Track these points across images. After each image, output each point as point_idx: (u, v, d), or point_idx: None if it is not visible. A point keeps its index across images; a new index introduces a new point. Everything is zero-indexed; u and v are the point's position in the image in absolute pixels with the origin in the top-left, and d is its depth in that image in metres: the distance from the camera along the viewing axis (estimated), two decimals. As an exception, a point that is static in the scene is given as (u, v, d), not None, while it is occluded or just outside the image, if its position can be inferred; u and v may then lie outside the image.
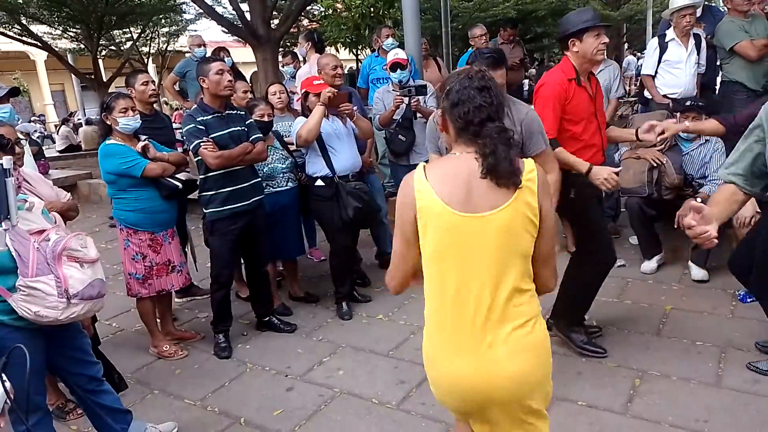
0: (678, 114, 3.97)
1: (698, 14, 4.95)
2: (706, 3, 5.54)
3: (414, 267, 1.61)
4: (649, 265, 4.15)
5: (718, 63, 5.09)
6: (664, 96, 4.82)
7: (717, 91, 5.27)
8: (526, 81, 7.23)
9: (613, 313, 3.57)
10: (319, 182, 3.81)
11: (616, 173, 2.81)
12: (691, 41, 4.74)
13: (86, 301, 2.16)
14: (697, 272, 3.95)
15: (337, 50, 14.48)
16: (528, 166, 1.52)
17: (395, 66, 4.41)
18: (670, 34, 4.76)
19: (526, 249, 1.53)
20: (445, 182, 1.50)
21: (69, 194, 2.87)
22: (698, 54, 4.81)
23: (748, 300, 3.49)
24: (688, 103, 4.06)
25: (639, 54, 7.31)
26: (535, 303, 1.59)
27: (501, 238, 1.48)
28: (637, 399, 2.74)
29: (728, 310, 3.51)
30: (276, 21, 9.12)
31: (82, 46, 14.41)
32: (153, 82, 3.88)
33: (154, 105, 4.00)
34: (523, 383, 1.54)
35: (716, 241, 1.76)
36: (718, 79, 5.25)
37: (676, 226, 3.88)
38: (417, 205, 1.51)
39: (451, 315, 1.54)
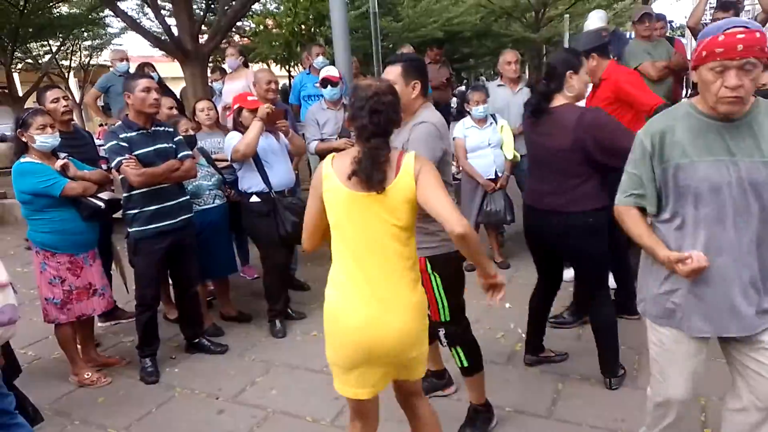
0: None
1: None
2: (613, 27, 5.96)
3: (321, 231, 2.02)
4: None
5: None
6: None
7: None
8: (454, 99, 7.47)
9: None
10: (255, 198, 3.77)
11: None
12: None
13: (-5, 327, 2.04)
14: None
15: (269, 66, 14.43)
16: (407, 157, 1.87)
17: (326, 82, 4.46)
18: None
19: (406, 221, 1.87)
20: (344, 168, 1.86)
21: None
22: None
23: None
24: None
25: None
26: (416, 269, 1.96)
27: (385, 213, 1.84)
28: (560, 402, 2.87)
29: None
30: (205, 36, 8.99)
31: (-6, 58, 13.63)
32: (66, 97, 3.67)
33: (71, 121, 3.81)
34: (405, 337, 1.90)
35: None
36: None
37: None
38: (323, 186, 1.90)
39: (346, 273, 1.92)
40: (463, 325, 2.62)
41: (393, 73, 2.41)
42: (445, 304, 2.50)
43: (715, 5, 5.14)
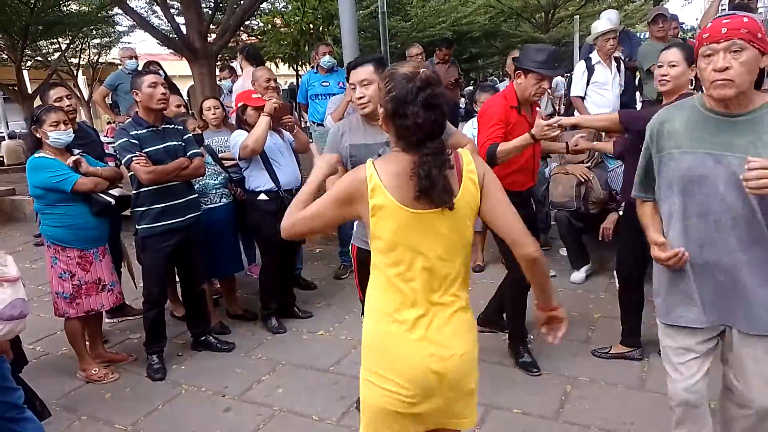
0: (603, 133, 4.21)
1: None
2: (624, 27, 5.91)
3: (318, 231, 1.71)
4: (578, 275, 4.35)
5: (637, 83, 5.45)
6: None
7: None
8: (462, 100, 7.45)
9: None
10: (263, 196, 3.78)
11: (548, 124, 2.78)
12: (614, 63, 5.05)
13: (6, 321, 2.05)
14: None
15: (276, 65, 14.46)
16: (466, 159, 1.60)
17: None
18: (595, 57, 5.05)
19: (470, 238, 1.63)
20: (398, 182, 1.53)
21: None
22: (620, 75, 5.13)
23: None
24: None
25: (567, 75, 7.67)
26: (467, 286, 1.70)
27: (451, 229, 1.57)
28: (568, 405, 2.85)
29: (650, 317, 3.70)
30: (213, 35, 9.01)
31: (5, 56, 13.71)
32: (69, 96, 3.66)
33: (75, 119, 3.76)
34: (466, 362, 1.65)
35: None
36: (638, 99, 5.60)
37: (600, 238, 4.10)
38: (371, 200, 1.54)
39: (399, 300, 1.60)
40: None
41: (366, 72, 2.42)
42: None
43: (726, 7, 5.11)
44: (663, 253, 1.88)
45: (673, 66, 2.76)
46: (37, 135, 3.17)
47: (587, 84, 5.09)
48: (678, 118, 1.86)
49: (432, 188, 1.48)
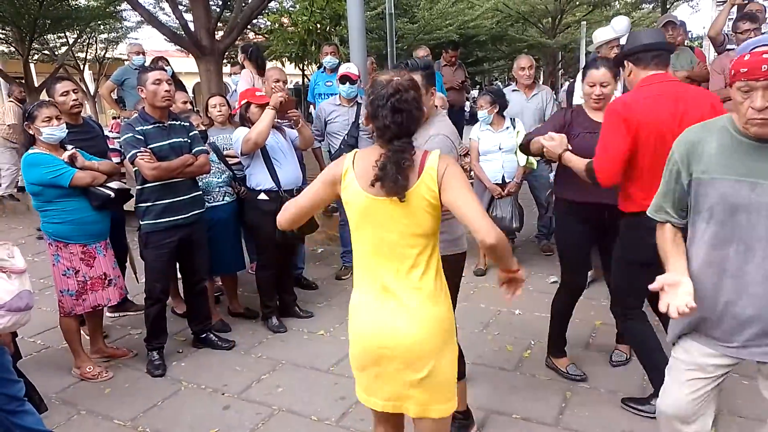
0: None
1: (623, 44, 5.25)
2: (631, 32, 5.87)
3: (308, 217, 1.98)
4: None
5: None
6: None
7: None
8: (468, 103, 7.44)
9: (545, 328, 3.70)
10: (263, 196, 3.77)
11: None
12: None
13: (13, 312, 2.06)
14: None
15: (283, 64, 14.48)
16: (431, 158, 1.74)
17: (345, 79, 4.47)
18: None
19: (427, 228, 1.76)
20: (365, 171, 1.75)
21: None
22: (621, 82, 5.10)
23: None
24: None
25: (571, 80, 7.65)
26: (441, 280, 1.83)
27: (404, 219, 1.74)
28: (568, 411, 2.84)
29: (653, 325, 3.70)
30: (221, 33, 9.02)
31: (13, 49, 13.75)
32: (75, 90, 3.61)
33: (80, 114, 3.74)
34: (415, 347, 1.77)
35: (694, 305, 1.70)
36: None
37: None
38: (342, 183, 1.80)
39: (366, 276, 1.84)
40: None
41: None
42: None
43: (736, 15, 5.09)
44: (664, 299, 1.72)
45: (606, 86, 2.79)
46: (30, 131, 3.12)
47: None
48: (710, 141, 1.77)
49: (383, 178, 1.69)
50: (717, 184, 1.74)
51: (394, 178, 1.68)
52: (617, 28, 4.91)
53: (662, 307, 1.71)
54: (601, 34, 4.89)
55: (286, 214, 1.92)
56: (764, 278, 1.71)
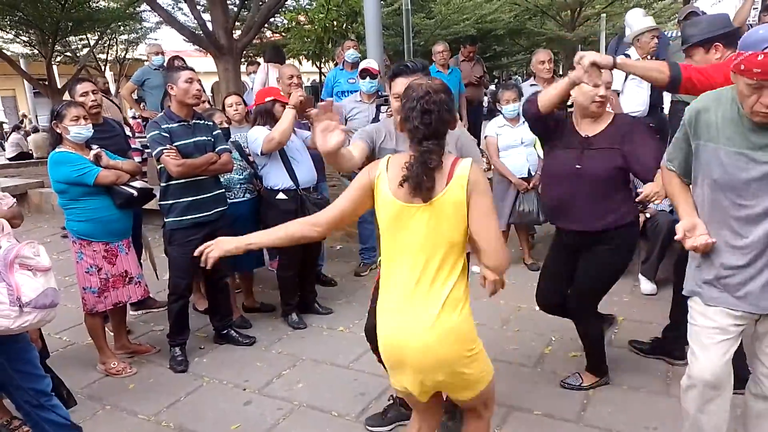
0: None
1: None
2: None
3: (348, 219, 1.97)
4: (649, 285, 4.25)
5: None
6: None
7: (667, 110, 5.49)
8: (486, 98, 7.39)
9: (568, 324, 3.66)
10: (281, 195, 3.79)
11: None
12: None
13: (39, 309, 2.10)
14: (647, 285, 4.10)
15: (300, 62, 14.53)
16: (462, 165, 1.76)
17: (365, 73, 4.46)
18: (634, 54, 4.93)
19: (454, 235, 1.76)
20: (396, 174, 1.78)
21: (14, 200, 2.72)
22: None
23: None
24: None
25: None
26: (462, 289, 1.81)
27: (431, 225, 1.75)
28: (590, 408, 2.82)
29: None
30: (238, 32, 9.08)
31: (36, 51, 13.99)
32: (95, 91, 3.65)
33: (100, 114, 3.75)
34: (428, 356, 1.78)
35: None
36: (666, 99, 5.47)
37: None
38: (377, 186, 1.82)
39: (390, 279, 1.85)
40: None
41: None
42: None
43: (761, 5, 4.97)
44: (691, 241, 1.93)
45: (609, 87, 2.70)
46: (58, 130, 3.19)
47: (625, 80, 4.98)
48: (716, 110, 1.87)
49: (409, 178, 1.71)
50: (719, 153, 1.85)
51: (418, 178, 1.70)
52: (642, 18, 4.82)
53: (689, 247, 1.94)
54: (640, 22, 4.76)
55: (322, 220, 1.94)
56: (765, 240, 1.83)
